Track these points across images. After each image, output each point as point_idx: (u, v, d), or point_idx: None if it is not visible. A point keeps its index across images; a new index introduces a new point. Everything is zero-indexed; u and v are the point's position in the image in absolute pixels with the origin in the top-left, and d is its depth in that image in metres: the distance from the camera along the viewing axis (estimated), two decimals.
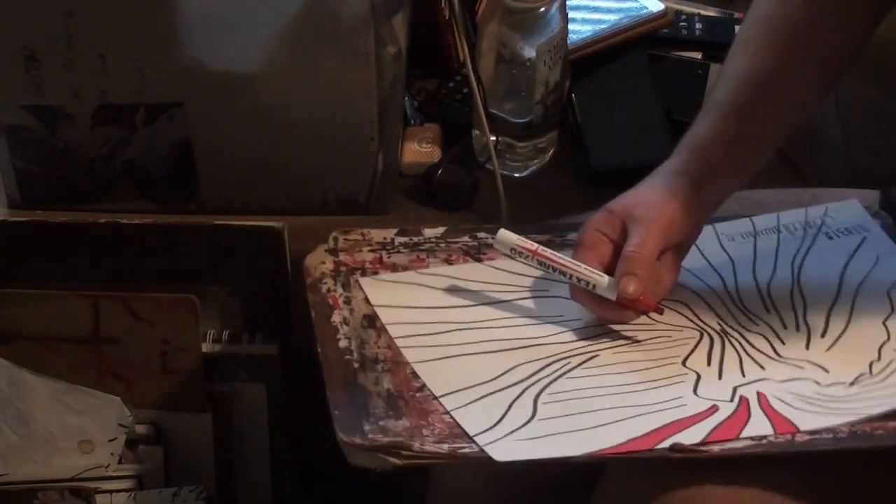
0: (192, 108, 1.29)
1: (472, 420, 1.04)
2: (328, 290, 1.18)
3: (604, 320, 1.13)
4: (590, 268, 1.11)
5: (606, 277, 1.11)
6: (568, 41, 1.38)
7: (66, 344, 1.36)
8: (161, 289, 1.34)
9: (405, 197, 1.38)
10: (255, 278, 1.34)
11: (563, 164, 1.42)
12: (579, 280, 1.12)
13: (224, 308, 1.38)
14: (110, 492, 1.37)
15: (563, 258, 1.13)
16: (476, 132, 1.40)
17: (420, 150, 1.41)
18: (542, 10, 1.33)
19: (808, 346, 1.12)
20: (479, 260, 1.23)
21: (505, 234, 1.16)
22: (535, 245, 1.14)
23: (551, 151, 1.42)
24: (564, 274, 1.12)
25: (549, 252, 1.14)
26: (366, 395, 1.07)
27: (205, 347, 1.37)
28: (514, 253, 1.15)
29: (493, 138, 1.36)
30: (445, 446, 1.01)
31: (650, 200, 1.11)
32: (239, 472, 1.44)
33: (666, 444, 1.00)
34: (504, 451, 1.00)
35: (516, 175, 1.41)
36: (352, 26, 1.25)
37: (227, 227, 1.32)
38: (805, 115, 1.16)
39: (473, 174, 1.39)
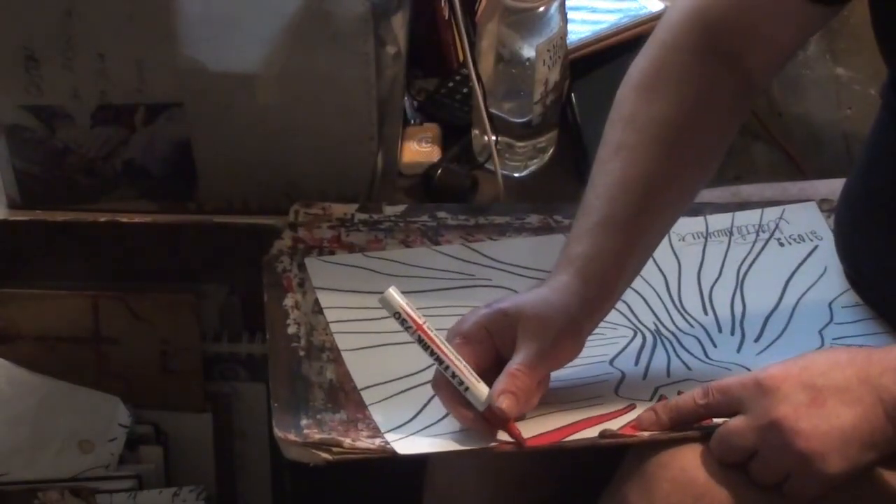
0: (191, 108, 1.29)
1: (386, 416, 1.04)
2: (283, 270, 1.19)
3: (460, 423, 1.02)
4: (470, 368, 1.00)
5: (484, 387, 1.00)
6: (567, 41, 1.39)
7: (65, 344, 1.36)
8: (161, 288, 1.35)
9: (405, 197, 1.38)
10: (255, 278, 1.34)
11: (563, 164, 1.42)
12: (454, 376, 1.00)
13: (224, 308, 1.38)
14: (110, 492, 1.37)
15: (446, 347, 1.01)
16: (476, 132, 1.40)
17: (420, 150, 1.41)
18: (542, 9, 1.33)
19: (739, 350, 1.12)
20: (436, 242, 1.22)
21: (392, 295, 1.01)
22: (422, 319, 1.01)
23: (551, 151, 1.42)
24: (441, 363, 1.00)
25: (433, 333, 1.01)
26: (308, 387, 1.07)
27: (205, 347, 1.37)
28: (398, 320, 1.01)
29: (492, 138, 1.36)
30: (377, 441, 1.01)
31: (548, 315, 1.02)
32: (239, 472, 1.44)
33: (578, 436, 1.00)
34: (408, 445, 1.00)
35: (516, 175, 1.41)
36: (351, 26, 1.25)
37: (227, 226, 1.33)
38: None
39: (473, 174, 1.39)
